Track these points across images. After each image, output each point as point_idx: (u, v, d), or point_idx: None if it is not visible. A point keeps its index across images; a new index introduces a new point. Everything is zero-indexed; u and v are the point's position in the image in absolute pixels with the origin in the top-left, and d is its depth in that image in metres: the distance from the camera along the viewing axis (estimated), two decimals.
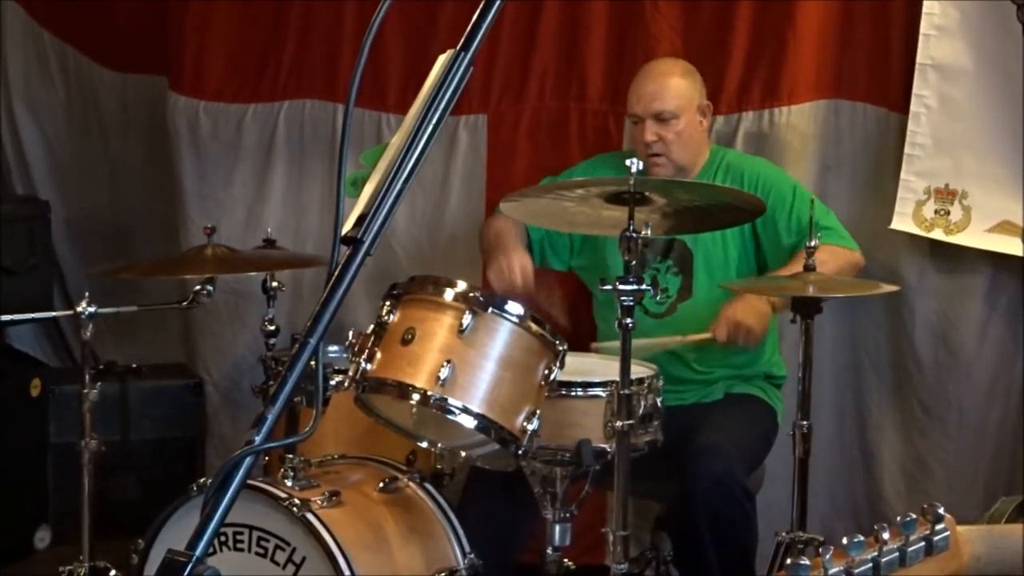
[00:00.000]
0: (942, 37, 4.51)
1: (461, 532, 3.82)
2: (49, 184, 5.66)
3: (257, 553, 3.56)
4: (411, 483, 3.88)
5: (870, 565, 1.74)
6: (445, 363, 3.38)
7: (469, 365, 3.42)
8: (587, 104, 4.91)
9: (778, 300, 4.13)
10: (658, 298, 4.16)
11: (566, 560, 3.81)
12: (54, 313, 4.67)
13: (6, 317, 4.26)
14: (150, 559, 3.63)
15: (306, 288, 5.07)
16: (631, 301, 3.46)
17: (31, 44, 5.62)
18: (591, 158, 4.61)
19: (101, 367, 4.84)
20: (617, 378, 3.51)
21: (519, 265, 4.16)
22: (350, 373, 3.52)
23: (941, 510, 1.81)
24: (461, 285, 3.51)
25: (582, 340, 4.20)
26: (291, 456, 3.72)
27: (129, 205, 5.58)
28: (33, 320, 5.19)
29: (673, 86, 4.31)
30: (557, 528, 3.72)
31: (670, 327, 4.29)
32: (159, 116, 5.36)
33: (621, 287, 3.45)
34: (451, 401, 3.39)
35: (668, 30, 4.77)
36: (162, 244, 5.38)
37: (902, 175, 4.57)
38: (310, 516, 3.51)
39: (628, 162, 3.48)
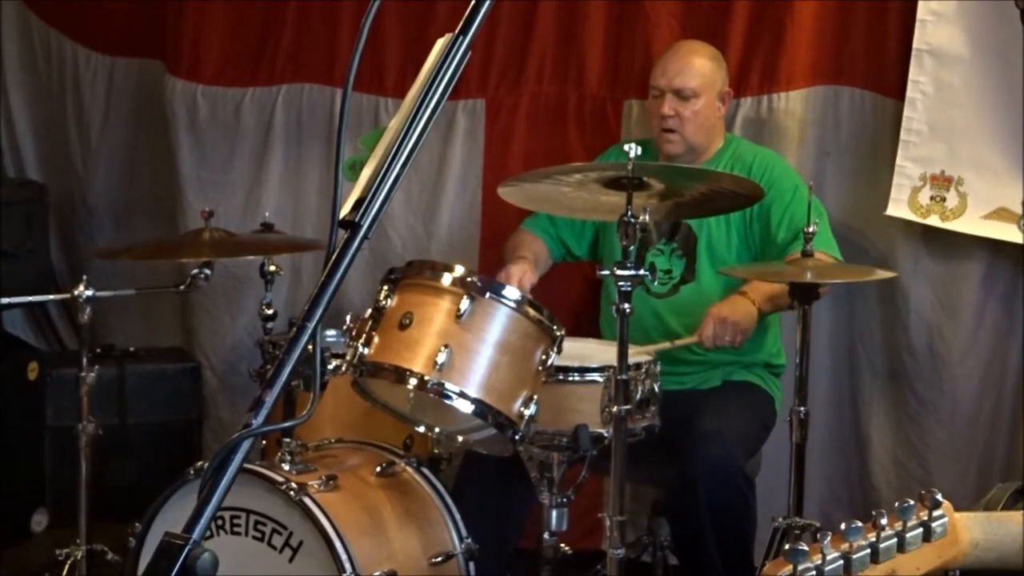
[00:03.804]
0: (939, 23, 4.50)
1: (458, 516, 3.82)
2: (38, 168, 5.67)
3: (254, 537, 3.57)
4: (408, 468, 3.88)
5: (868, 551, 1.74)
6: (443, 348, 3.38)
7: (466, 350, 3.42)
8: (585, 90, 4.91)
9: (764, 303, 4.12)
10: (656, 282, 4.17)
11: (563, 545, 3.81)
12: (52, 296, 4.67)
13: (4, 300, 4.26)
14: (147, 542, 3.64)
15: (304, 272, 5.08)
16: (628, 286, 3.46)
17: (24, 28, 5.61)
18: (609, 149, 4.59)
19: (98, 350, 4.84)
20: (614, 363, 3.51)
21: (518, 276, 4.15)
22: (348, 357, 3.52)
23: (939, 496, 1.82)
24: (459, 270, 3.51)
25: (584, 329, 4.21)
26: (288, 440, 3.72)
27: (119, 189, 5.56)
28: (31, 303, 5.19)
29: (698, 65, 4.35)
30: (554, 513, 3.73)
31: (673, 307, 4.31)
32: (149, 100, 5.36)
33: (619, 272, 3.45)
34: (448, 386, 3.39)
35: (667, 16, 4.77)
36: (156, 228, 5.38)
37: (897, 161, 4.56)
38: (307, 500, 3.51)
39: (627, 147, 3.48)
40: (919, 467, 4.73)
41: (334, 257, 1.79)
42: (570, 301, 4.78)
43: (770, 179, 4.27)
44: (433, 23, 4.83)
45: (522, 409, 3.45)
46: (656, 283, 4.24)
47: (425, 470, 3.89)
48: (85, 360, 4.15)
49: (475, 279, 3.49)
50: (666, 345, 4.17)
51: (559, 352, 3.54)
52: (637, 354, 3.87)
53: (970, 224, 4.51)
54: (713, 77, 4.37)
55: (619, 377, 3.50)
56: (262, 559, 3.54)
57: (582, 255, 4.55)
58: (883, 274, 4.20)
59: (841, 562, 1.72)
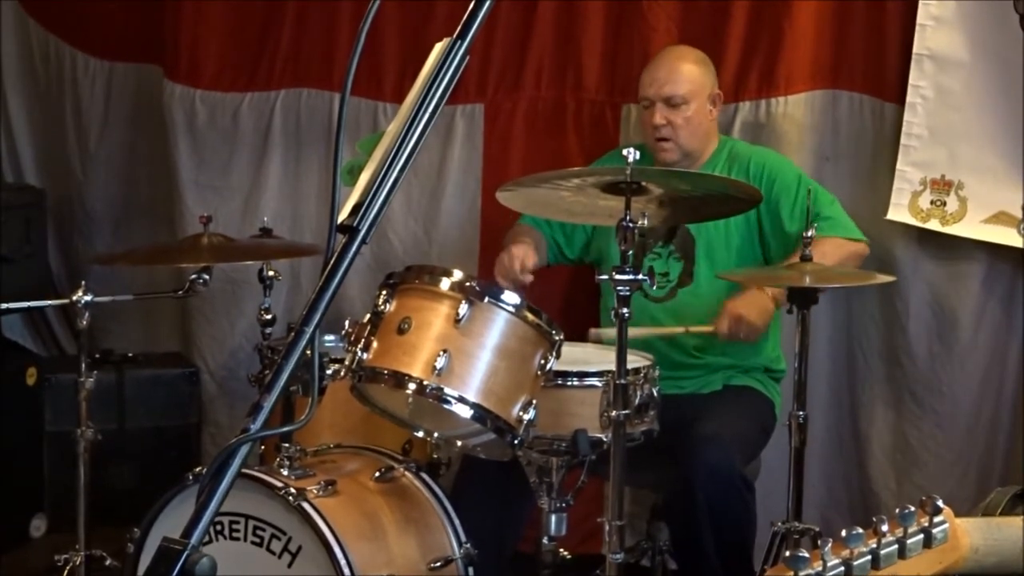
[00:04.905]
0: (939, 27, 4.50)
1: (457, 521, 3.82)
2: (36, 173, 5.66)
3: (253, 542, 3.56)
4: (407, 472, 3.88)
5: (869, 557, 1.74)
6: (441, 352, 3.37)
7: (465, 355, 3.42)
8: (584, 94, 4.91)
9: (780, 294, 4.14)
10: (654, 288, 4.17)
11: (562, 550, 3.81)
12: (51, 301, 4.66)
13: (3, 305, 4.25)
14: (146, 547, 3.63)
15: (303, 277, 5.08)
16: (627, 291, 3.45)
17: (22, 34, 5.61)
18: (607, 154, 4.59)
19: (97, 355, 4.83)
20: (613, 368, 3.50)
21: (520, 256, 4.16)
22: (346, 362, 3.51)
23: (940, 502, 1.81)
24: (457, 274, 3.51)
25: (581, 331, 4.20)
26: (287, 445, 3.72)
27: (117, 194, 5.56)
28: (30, 308, 5.19)
29: (686, 71, 4.35)
30: (553, 518, 3.73)
31: (670, 311, 4.30)
32: (147, 104, 5.35)
33: (617, 276, 3.44)
34: (447, 391, 3.38)
35: (666, 19, 4.77)
36: (154, 232, 5.38)
37: (898, 166, 4.57)
38: (306, 505, 3.51)
39: (625, 152, 3.47)
40: (918, 471, 4.73)
41: (332, 262, 1.79)
42: (569, 305, 4.78)
43: (771, 175, 4.29)
44: (431, 27, 4.83)
45: (521, 414, 3.45)
46: (655, 287, 4.24)
47: (424, 475, 3.89)
48: (84, 365, 4.14)
49: (474, 284, 3.49)
50: (679, 330, 4.19)
51: (558, 356, 3.54)
52: (652, 335, 3.89)
53: (970, 228, 4.51)
54: (702, 81, 4.37)
55: (618, 382, 3.50)
56: (261, 564, 3.54)
57: (573, 257, 4.55)
58: (883, 278, 4.20)
59: (842, 568, 1.72)
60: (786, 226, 4.25)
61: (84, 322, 4.09)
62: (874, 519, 1.75)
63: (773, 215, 4.27)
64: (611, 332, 3.71)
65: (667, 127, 4.30)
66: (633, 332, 3.55)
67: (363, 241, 1.80)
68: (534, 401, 3.47)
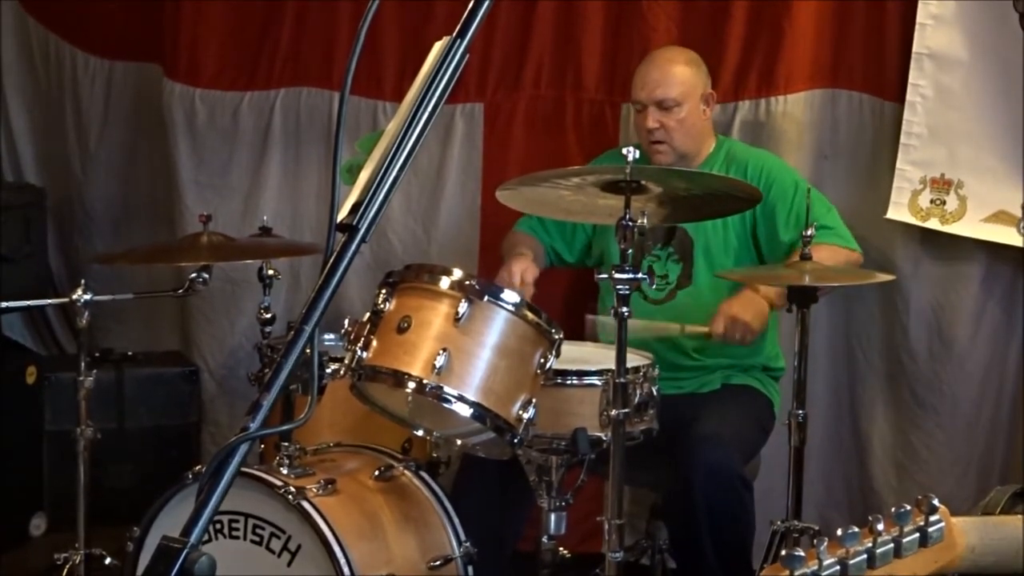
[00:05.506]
0: (938, 26, 4.50)
1: (456, 520, 3.82)
2: (36, 172, 5.66)
3: (252, 541, 3.56)
4: (406, 471, 3.88)
5: (865, 556, 1.74)
6: (441, 351, 3.37)
7: (465, 353, 3.41)
8: (583, 93, 4.91)
9: (777, 298, 4.13)
10: (655, 286, 4.17)
11: (562, 549, 3.80)
12: (51, 300, 4.66)
13: (3, 304, 4.25)
14: (145, 546, 3.63)
15: (303, 276, 5.08)
16: (627, 289, 3.45)
17: (22, 33, 5.61)
18: (605, 153, 4.59)
19: (97, 354, 4.83)
20: (613, 367, 3.50)
21: (520, 270, 4.15)
22: (346, 361, 3.51)
23: (935, 501, 1.82)
24: (457, 273, 3.50)
25: (580, 331, 4.20)
26: (287, 444, 3.72)
27: (117, 193, 5.56)
28: (29, 307, 5.19)
29: (677, 74, 4.33)
30: (552, 517, 3.73)
31: (670, 313, 4.30)
32: (147, 103, 5.36)
33: (617, 275, 3.44)
34: (447, 389, 3.38)
35: (665, 19, 4.77)
36: (154, 232, 5.38)
37: (898, 165, 4.57)
38: (306, 504, 3.51)
39: (625, 151, 3.47)
40: (918, 470, 4.73)
41: (331, 260, 1.79)
42: (569, 305, 4.78)
43: (769, 179, 4.28)
44: (431, 26, 4.83)
45: (520, 412, 3.44)
46: (654, 288, 4.25)
47: (424, 474, 3.89)
48: (83, 364, 4.14)
49: (473, 282, 3.48)
50: (675, 328, 4.18)
51: (557, 355, 3.53)
52: (647, 329, 3.89)
53: (970, 227, 4.52)
54: (693, 82, 4.35)
55: (617, 380, 3.49)
56: (260, 563, 3.54)
57: (573, 261, 4.55)
58: (882, 277, 4.20)
59: (838, 567, 1.72)
60: (780, 233, 4.24)
61: (84, 321, 4.09)
62: (870, 518, 1.76)
63: (768, 220, 4.26)
64: (608, 320, 3.71)
65: (660, 130, 4.29)
66: (631, 324, 3.54)
67: (363, 240, 1.80)
68: (534, 400, 3.46)
